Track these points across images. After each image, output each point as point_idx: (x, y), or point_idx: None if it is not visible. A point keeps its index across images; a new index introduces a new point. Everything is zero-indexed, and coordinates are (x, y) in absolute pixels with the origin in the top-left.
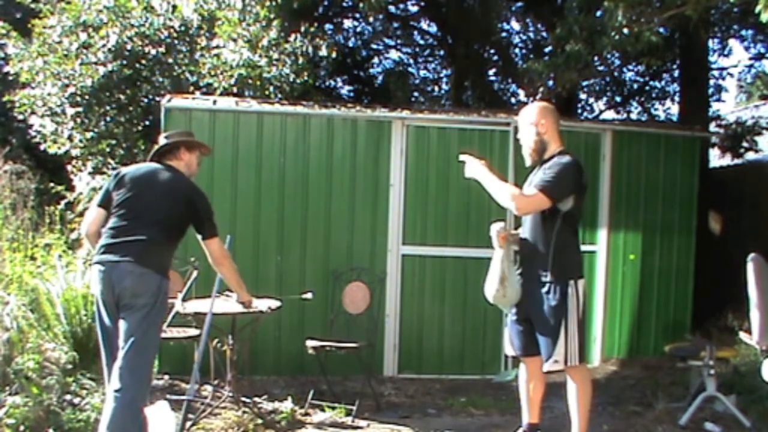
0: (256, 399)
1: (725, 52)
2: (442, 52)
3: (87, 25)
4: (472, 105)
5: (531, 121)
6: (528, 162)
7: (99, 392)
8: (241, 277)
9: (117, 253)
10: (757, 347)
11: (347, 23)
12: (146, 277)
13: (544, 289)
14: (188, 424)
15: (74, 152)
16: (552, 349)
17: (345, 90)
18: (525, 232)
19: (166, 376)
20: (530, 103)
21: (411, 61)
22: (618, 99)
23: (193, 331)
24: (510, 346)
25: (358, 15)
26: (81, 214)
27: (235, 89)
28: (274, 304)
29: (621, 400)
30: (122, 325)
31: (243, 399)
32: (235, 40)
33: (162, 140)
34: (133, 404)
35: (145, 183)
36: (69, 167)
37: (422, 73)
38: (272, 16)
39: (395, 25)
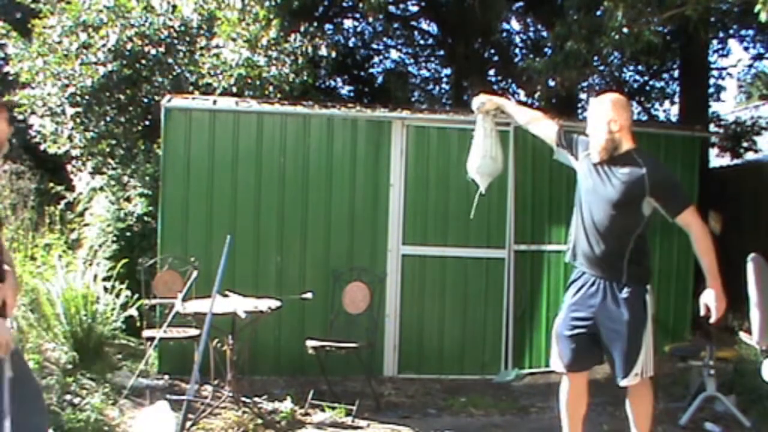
0: (256, 399)
1: (725, 52)
2: (442, 52)
3: (87, 25)
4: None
5: (604, 118)
6: (596, 158)
7: (99, 392)
8: None
9: None
10: (757, 347)
11: (347, 23)
12: None
13: (623, 299)
14: (188, 424)
15: (74, 152)
16: (634, 362)
17: (345, 90)
18: (591, 239)
19: (166, 376)
20: (602, 96)
21: (411, 61)
22: None
23: (193, 331)
24: (558, 361)
25: (358, 15)
26: (81, 214)
27: (234, 89)
28: (274, 304)
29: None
30: None
31: (243, 399)
32: (234, 40)
33: None
34: None
35: None
36: (69, 167)
37: (422, 73)
38: (272, 15)
39: (395, 25)
